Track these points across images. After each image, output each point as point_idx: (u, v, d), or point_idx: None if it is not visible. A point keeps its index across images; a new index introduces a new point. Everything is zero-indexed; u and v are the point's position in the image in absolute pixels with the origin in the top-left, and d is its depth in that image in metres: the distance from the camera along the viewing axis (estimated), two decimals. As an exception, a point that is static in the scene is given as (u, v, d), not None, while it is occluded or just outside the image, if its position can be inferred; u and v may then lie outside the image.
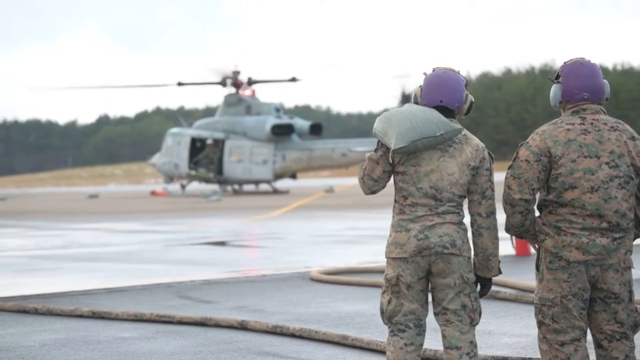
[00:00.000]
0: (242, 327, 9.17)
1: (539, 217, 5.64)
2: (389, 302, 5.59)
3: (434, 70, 5.71)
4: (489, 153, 5.65)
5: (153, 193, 58.70)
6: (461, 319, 5.55)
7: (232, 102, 54.65)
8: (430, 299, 5.66)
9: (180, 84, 54.62)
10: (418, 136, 5.43)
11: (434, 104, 5.61)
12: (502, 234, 5.80)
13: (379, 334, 8.69)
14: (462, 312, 5.55)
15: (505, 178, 5.61)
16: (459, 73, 5.68)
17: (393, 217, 5.61)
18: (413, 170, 5.54)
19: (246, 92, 54.75)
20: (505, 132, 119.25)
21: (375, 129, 5.55)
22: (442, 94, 5.61)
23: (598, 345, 5.63)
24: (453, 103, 5.62)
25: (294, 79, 54.61)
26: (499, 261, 5.68)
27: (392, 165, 5.59)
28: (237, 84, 54.60)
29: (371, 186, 5.64)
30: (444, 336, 5.58)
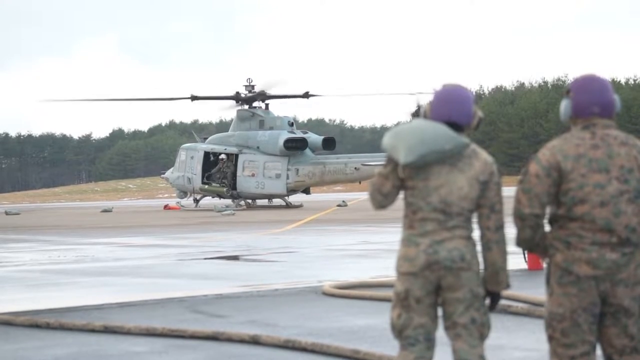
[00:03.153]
0: (254, 341, 9.18)
1: (549, 231, 5.64)
2: (399, 316, 5.60)
3: (443, 87, 5.74)
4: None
5: (166, 207, 58.75)
6: (471, 333, 5.56)
7: (245, 117, 54.66)
8: (440, 313, 5.67)
9: (194, 97, 54.69)
10: (427, 150, 5.45)
11: (442, 119, 5.63)
12: (512, 248, 5.80)
13: (391, 348, 8.67)
14: (471, 326, 5.55)
15: (516, 192, 5.62)
16: (467, 89, 5.71)
17: (403, 231, 5.63)
18: (422, 185, 5.55)
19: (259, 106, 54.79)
20: (518, 147, 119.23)
21: (385, 144, 5.58)
22: (451, 109, 5.63)
23: (608, 359, 5.62)
24: (461, 118, 5.64)
25: (306, 95, 54.63)
26: (508, 275, 5.68)
27: (401, 180, 5.61)
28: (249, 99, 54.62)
29: (380, 201, 5.65)
30: (454, 350, 5.59)
